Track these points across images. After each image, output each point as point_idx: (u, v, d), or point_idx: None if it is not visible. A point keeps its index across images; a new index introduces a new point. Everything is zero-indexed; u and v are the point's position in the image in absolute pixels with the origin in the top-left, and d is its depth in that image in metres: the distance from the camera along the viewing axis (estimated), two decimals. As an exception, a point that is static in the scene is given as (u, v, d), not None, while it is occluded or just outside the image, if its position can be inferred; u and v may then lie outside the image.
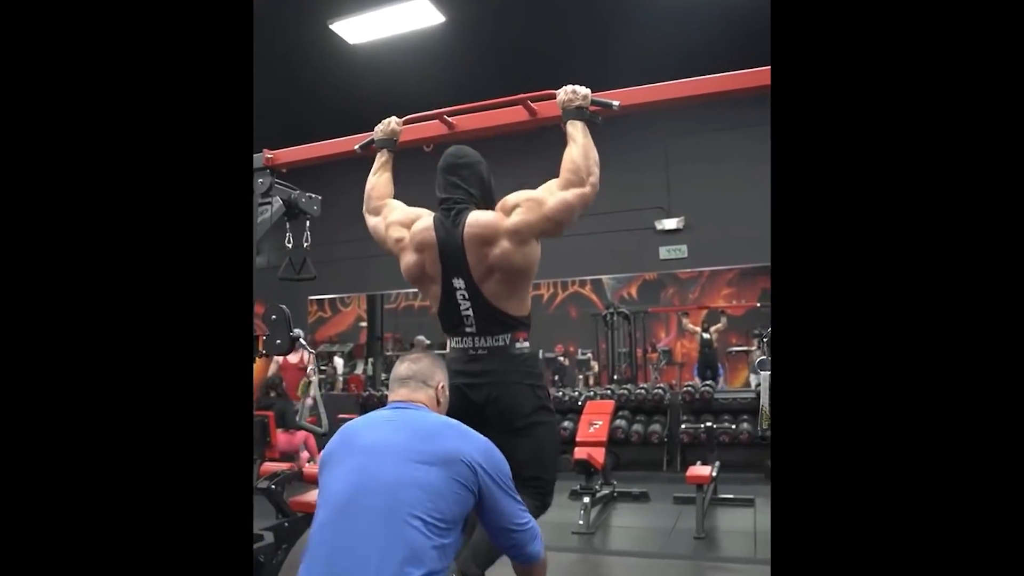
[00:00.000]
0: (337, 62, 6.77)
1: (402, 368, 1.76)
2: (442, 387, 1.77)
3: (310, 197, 3.67)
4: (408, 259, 2.12)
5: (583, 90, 2.15)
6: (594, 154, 2.06)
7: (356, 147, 2.55)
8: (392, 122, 2.43)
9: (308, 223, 3.68)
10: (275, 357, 6.88)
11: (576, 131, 2.09)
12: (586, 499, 4.73)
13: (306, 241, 3.66)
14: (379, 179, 2.38)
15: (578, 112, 2.12)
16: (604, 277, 9.87)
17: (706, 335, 8.77)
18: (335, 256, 8.32)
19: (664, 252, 7.94)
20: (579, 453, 4.95)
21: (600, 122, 2.16)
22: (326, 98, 7.21)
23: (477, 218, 2.03)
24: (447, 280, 2.04)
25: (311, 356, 6.81)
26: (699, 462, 5.12)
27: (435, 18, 6.11)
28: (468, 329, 2.05)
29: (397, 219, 2.21)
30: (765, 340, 7.95)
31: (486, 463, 1.58)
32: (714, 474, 4.88)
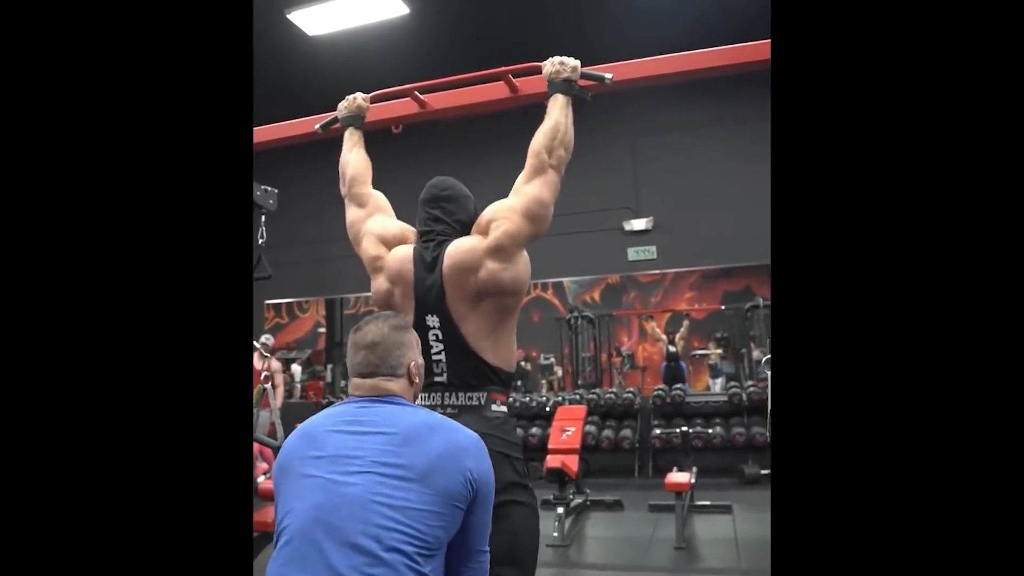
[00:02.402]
0: (296, 55, 6.49)
1: (359, 358, 1.46)
2: (415, 365, 1.48)
3: (266, 190, 3.41)
4: (379, 284, 1.89)
5: (572, 61, 1.94)
6: (564, 133, 1.85)
7: (316, 126, 2.30)
8: (358, 98, 2.19)
9: (264, 219, 3.43)
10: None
11: (554, 106, 1.89)
12: (560, 509, 4.52)
13: (261, 238, 3.41)
14: (354, 155, 2.13)
15: (565, 85, 1.91)
16: (566, 281, 9.73)
17: (672, 347, 8.56)
18: (292, 258, 8.01)
19: (632, 253, 7.80)
20: (552, 461, 4.74)
21: (590, 98, 1.95)
22: (283, 93, 6.84)
23: (457, 246, 1.80)
24: (419, 318, 1.79)
25: (267, 362, 6.46)
26: (675, 468, 4.96)
27: (398, 9, 5.87)
28: (438, 378, 1.77)
29: (378, 232, 1.96)
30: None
31: (478, 472, 1.35)
32: (693, 481, 4.71)
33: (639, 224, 7.75)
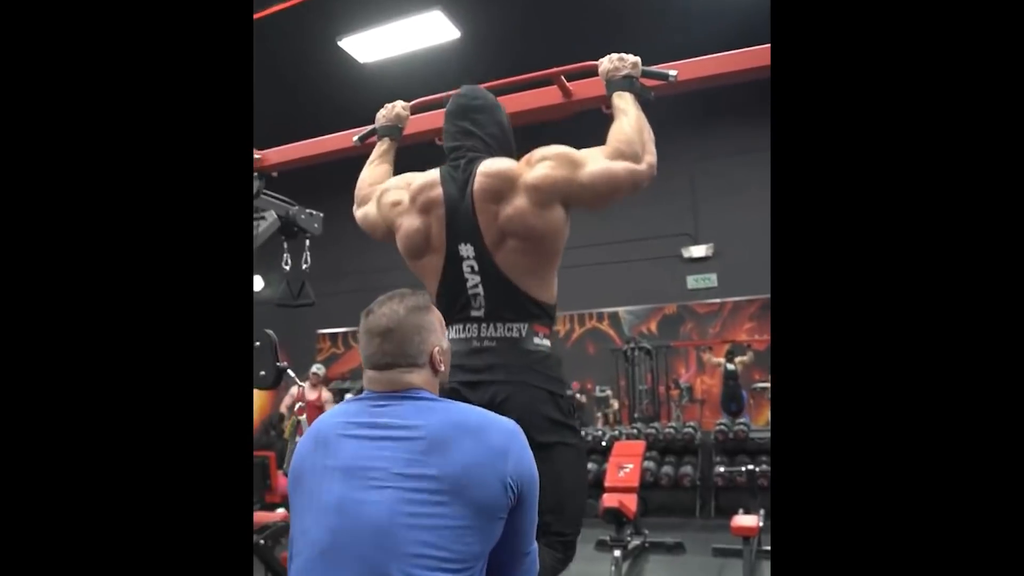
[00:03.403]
0: (347, 83, 6.46)
1: (372, 347, 1.24)
2: (439, 351, 1.26)
3: (311, 214, 3.32)
4: (409, 225, 1.66)
5: (631, 57, 1.75)
6: (649, 132, 1.64)
7: (354, 138, 2.17)
8: (397, 106, 2.04)
9: (308, 243, 3.33)
10: (290, 391, 6.45)
11: (626, 103, 1.67)
12: (617, 552, 4.24)
13: (305, 263, 3.31)
14: (375, 169, 1.95)
15: (626, 82, 1.71)
16: (621, 312, 9.45)
17: (731, 366, 8.24)
18: (346, 287, 7.96)
19: (692, 281, 7.54)
20: (609, 500, 4.46)
21: (653, 99, 1.75)
22: (333, 121, 6.85)
23: (490, 166, 1.59)
24: (452, 246, 1.60)
25: (319, 391, 6.37)
26: (741, 509, 4.64)
27: (450, 33, 5.81)
28: (474, 312, 1.59)
29: (393, 184, 1.77)
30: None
31: (519, 473, 1.15)
32: (761, 524, 4.37)
33: (698, 251, 7.48)
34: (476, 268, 1.58)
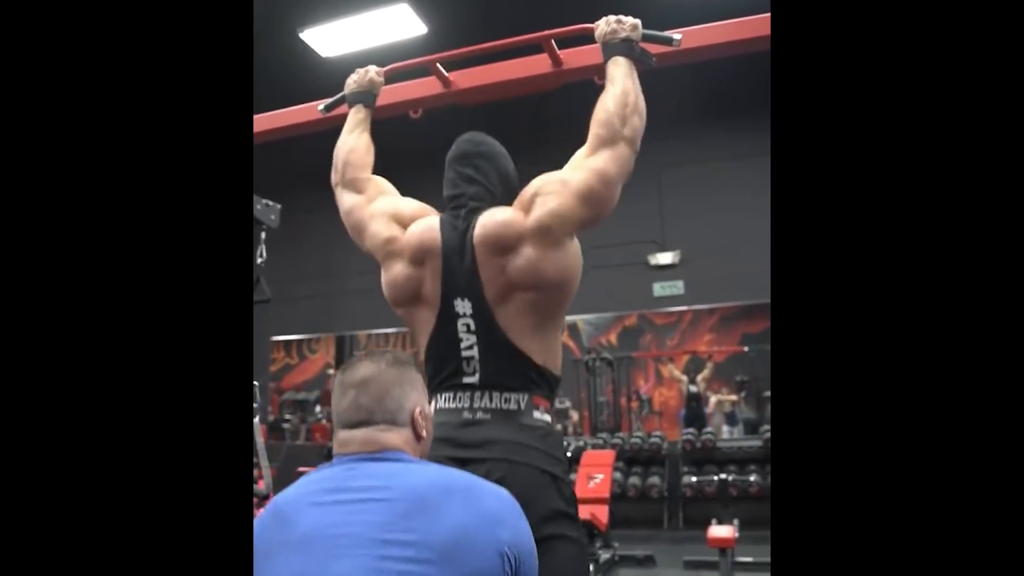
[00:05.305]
0: (306, 76, 6.22)
1: (346, 401, 1.11)
2: (420, 412, 1.14)
3: (267, 205, 3.11)
4: (398, 272, 1.51)
5: (631, 20, 1.59)
6: (636, 100, 1.48)
7: (320, 107, 1.97)
8: (371, 71, 1.85)
9: (264, 236, 3.14)
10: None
11: (617, 70, 1.51)
12: (589, 567, 4.05)
13: (260, 256, 3.11)
14: (356, 139, 1.74)
15: (625, 47, 1.55)
16: (580, 323, 9.35)
17: (693, 387, 8.15)
18: (302, 292, 7.69)
19: (659, 289, 7.45)
20: (580, 512, 4.29)
21: (655, 64, 1.59)
22: (294, 119, 6.66)
23: (492, 216, 1.44)
24: (447, 302, 1.45)
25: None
26: (714, 520, 4.52)
27: (417, 28, 5.63)
28: (467, 379, 1.42)
29: (387, 210, 1.58)
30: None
31: (517, 543, 0.99)
32: (737, 535, 4.25)
33: (665, 258, 7.39)
34: (472, 327, 1.42)
